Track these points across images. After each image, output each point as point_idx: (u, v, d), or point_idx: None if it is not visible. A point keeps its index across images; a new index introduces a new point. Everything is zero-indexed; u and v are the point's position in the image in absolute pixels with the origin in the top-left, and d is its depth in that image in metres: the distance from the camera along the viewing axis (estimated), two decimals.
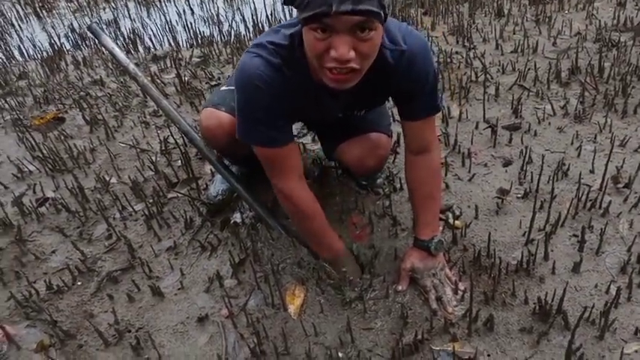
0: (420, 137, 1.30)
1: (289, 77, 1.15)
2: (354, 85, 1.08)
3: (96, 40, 2.73)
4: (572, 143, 1.82)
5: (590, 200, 1.55)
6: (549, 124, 1.94)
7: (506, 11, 2.77)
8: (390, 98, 1.35)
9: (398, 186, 1.70)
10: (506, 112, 2.03)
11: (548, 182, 1.65)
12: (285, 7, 3.39)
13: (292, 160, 1.26)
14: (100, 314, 1.43)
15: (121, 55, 1.69)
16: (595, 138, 1.84)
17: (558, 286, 1.31)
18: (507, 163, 1.78)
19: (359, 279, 1.38)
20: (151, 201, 1.78)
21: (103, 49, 2.99)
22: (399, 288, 1.35)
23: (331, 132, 1.54)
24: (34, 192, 1.93)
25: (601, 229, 1.44)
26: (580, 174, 1.65)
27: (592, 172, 1.69)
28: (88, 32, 1.76)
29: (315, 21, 0.95)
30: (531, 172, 1.69)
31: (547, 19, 2.62)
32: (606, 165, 1.57)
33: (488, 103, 2.07)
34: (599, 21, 2.52)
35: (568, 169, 1.69)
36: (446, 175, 1.74)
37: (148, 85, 1.67)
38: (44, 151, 2.11)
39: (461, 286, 1.33)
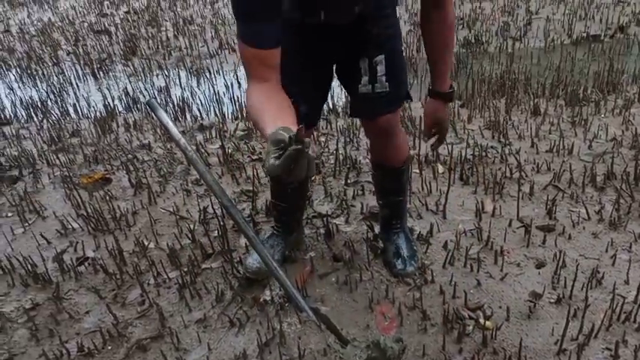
0: None
1: None
2: None
3: (148, 108, 2.89)
4: (606, 250, 1.82)
5: (625, 313, 1.53)
6: (584, 228, 1.95)
7: (542, 110, 2.84)
8: None
9: (429, 278, 1.72)
10: (540, 212, 2.05)
11: (582, 289, 1.64)
12: None
13: (266, 64, 1.16)
14: None
15: (174, 129, 1.78)
16: (630, 247, 1.83)
17: None
18: (540, 265, 1.78)
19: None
20: (185, 270, 1.83)
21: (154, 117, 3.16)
22: (426, 139, 1.65)
23: (345, 65, 1.51)
24: (75, 250, 2.00)
25: (635, 345, 1.41)
26: (614, 284, 1.64)
27: (627, 282, 1.67)
28: (147, 107, 1.89)
29: None
30: (565, 277, 1.68)
31: (583, 122, 2.68)
32: None
33: (522, 201, 2.09)
34: (636, 128, 2.56)
35: (602, 277, 1.68)
36: (478, 271, 1.75)
37: (196, 159, 1.75)
38: (89, 210, 2.20)
39: None
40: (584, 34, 4.13)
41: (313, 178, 2.34)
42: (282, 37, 1.17)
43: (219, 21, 5.03)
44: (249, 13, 1.12)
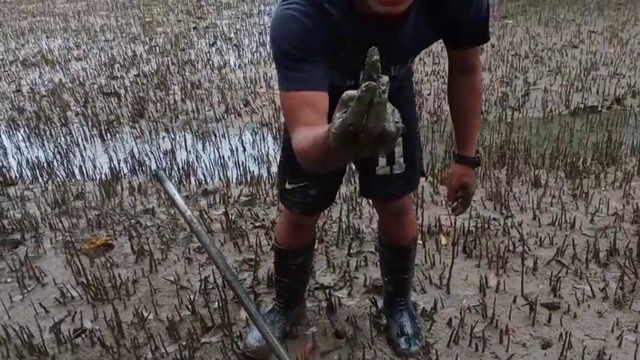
0: (466, 62, 1.35)
1: (333, 15, 1.07)
2: (409, 19, 1.12)
3: (155, 179, 2.92)
4: (612, 331, 1.79)
5: None
6: (589, 306, 1.92)
7: (543, 182, 2.87)
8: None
9: (434, 358, 1.68)
10: (544, 289, 2.03)
11: None
12: None
13: (314, 108, 1.03)
14: None
15: (180, 202, 1.81)
16: (636, 327, 1.81)
17: None
18: (546, 345, 1.75)
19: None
20: (184, 344, 1.79)
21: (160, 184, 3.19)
22: (450, 203, 1.54)
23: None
24: (73, 320, 1.98)
25: None
26: None
27: None
28: (154, 177, 1.92)
29: None
30: (571, 359, 1.65)
31: (584, 195, 2.70)
32: None
33: (526, 277, 2.08)
34: (637, 202, 2.58)
35: (609, 359, 1.65)
36: (483, 351, 1.72)
37: (201, 232, 1.76)
38: (89, 278, 2.18)
39: None
40: (582, 105, 4.22)
41: (315, 246, 2.34)
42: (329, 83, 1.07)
43: (226, 86, 5.16)
44: (299, 55, 1.04)
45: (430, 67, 5.23)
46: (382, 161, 1.47)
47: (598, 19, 6.85)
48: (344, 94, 0.65)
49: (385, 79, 0.61)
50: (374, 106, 0.59)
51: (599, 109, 4.20)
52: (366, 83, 0.60)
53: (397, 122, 0.62)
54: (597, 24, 6.62)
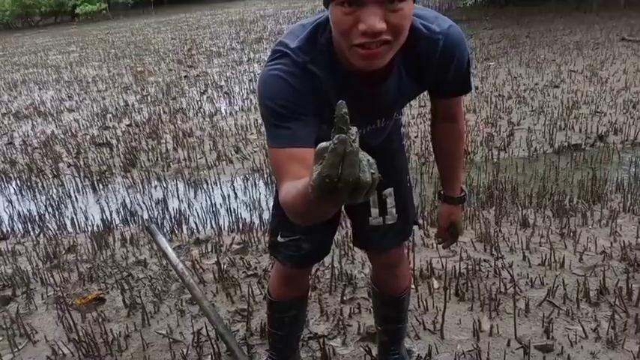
0: (449, 110, 1.40)
1: (317, 74, 1.12)
2: (392, 75, 1.15)
3: (147, 233, 2.92)
4: None
5: None
6: (582, 347, 1.93)
7: (531, 222, 2.91)
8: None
9: None
10: (537, 331, 2.04)
11: None
12: None
13: (301, 163, 1.04)
14: None
15: (172, 255, 1.83)
16: None
17: None
18: None
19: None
20: None
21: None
22: (440, 241, 1.62)
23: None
24: None
25: None
26: None
27: None
28: (146, 231, 1.95)
29: None
30: None
31: (572, 234, 2.74)
32: None
33: (518, 319, 2.09)
34: (624, 240, 2.62)
35: None
36: None
37: (193, 285, 1.78)
38: (80, 334, 2.16)
39: None
40: (566, 144, 4.32)
41: (309, 294, 2.34)
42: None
43: (218, 133, 5.24)
44: (285, 114, 1.08)
45: (417, 109, 5.35)
46: (375, 212, 1.49)
47: (577, 59, 7.08)
48: (316, 148, 0.68)
49: (354, 129, 0.65)
50: (347, 155, 0.63)
51: (583, 147, 4.29)
52: (337, 136, 0.64)
53: (373, 173, 0.65)
54: (577, 63, 6.84)
